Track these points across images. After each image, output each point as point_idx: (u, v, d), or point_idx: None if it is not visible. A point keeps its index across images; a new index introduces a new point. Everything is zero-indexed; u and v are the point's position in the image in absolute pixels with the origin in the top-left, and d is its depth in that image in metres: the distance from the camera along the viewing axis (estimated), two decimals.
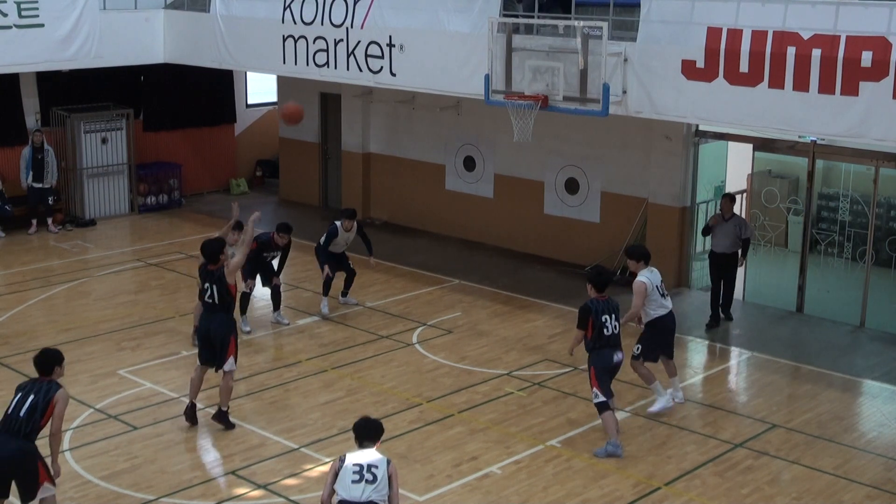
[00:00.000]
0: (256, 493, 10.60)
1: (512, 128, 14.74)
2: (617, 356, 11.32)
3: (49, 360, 9.48)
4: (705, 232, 15.58)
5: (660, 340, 12.27)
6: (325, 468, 10.96)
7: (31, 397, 9.17)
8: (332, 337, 14.92)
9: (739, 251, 15.32)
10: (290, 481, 10.80)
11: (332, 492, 8.33)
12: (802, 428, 12.18)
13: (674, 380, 12.65)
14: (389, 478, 8.37)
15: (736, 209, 15.72)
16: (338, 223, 15.75)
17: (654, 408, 12.34)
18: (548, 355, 14.29)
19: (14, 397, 9.27)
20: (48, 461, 9.29)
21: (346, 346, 14.54)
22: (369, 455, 8.42)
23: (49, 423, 9.17)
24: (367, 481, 8.29)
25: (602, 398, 11.24)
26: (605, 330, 11.16)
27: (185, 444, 11.72)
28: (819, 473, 11.10)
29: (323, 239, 15.69)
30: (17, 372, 13.54)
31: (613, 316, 11.25)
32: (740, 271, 15.83)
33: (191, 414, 11.96)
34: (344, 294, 16.21)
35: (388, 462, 8.44)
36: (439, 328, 15.26)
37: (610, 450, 11.33)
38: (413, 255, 19.02)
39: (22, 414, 9.10)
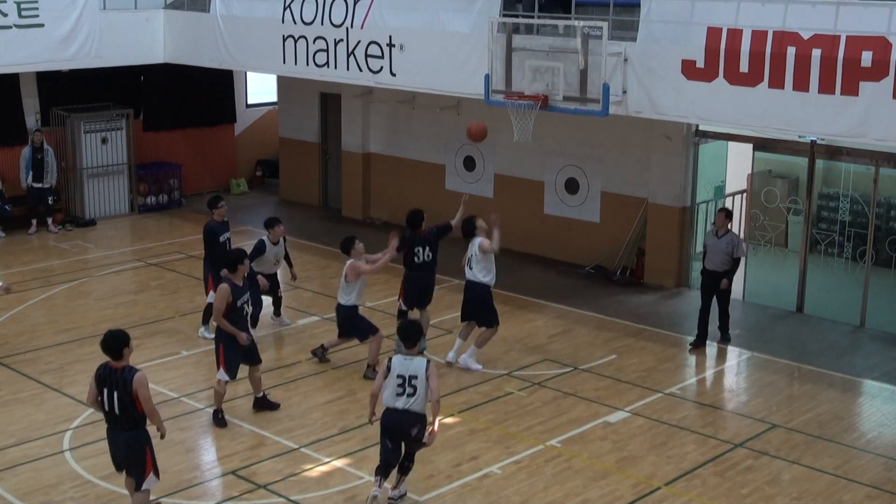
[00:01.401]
0: (256, 493, 10.60)
1: (512, 128, 14.75)
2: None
3: (117, 343, 9.26)
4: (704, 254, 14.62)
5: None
6: (325, 468, 11.03)
7: (116, 392, 9.12)
8: (331, 337, 14.88)
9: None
10: (290, 481, 10.80)
11: (381, 387, 9.88)
12: (802, 428, 12.18)
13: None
14: (428, 379, 9.74)
15: (736, 210, 15.69)
16: (264, 236, 14.56)
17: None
18: (548, 355, 14.29)
19: (101, 392, 9.22)
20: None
21: (346, 347, 14.52)
22: (410, 365, 9.80)
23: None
24: (407, 395, 9.77)
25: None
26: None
27: (185, 444, 11.71)
28: (819, 473, 11.11)
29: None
30: (17, 372, 13.56)
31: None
32: (738, 284, 15.57)
33: None
34: (277, 314, 15.38)
35: (427, 366, 9.81)
36: (439, 328, 15.24)
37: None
38: None
39: (117, 411, 9.15)
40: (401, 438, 10.03)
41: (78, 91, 21.38)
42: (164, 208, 22.25)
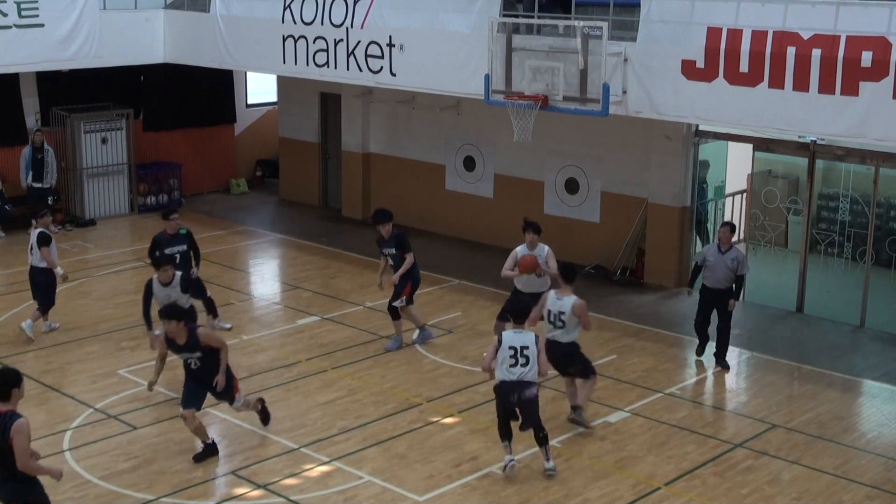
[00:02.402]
0: (256, 492, 10.60)
1: (512, 128, 14.74)
2: None
3: (3, 384, 8.37)
4: (694, 273, 14.22)
5: None
6: (326, 468, 11.03)
7: None
8: (331, 337, 14.91)
9: (733, 286, 13.83)
10: (290, 481, 10.79)
11: (493, 360, 10.60)
12: (802, 428, 12.17)
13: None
14: (539, 352, 10.52)
15: (736, 210, 15.65)
16: (153, 277, 13.19)
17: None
18: None
19: None
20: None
21: (346, 346, 14.53)
22: (521, 337, 10.54)
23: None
24: (521, 364, 10.49)
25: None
26: None
27: (185, 444, 11.69)
28: (819, 473, 11.10)
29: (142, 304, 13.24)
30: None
31: None
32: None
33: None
34: (215, 316, 14.90)
35: (536, 339, 10.60)
36: (439, 328, 15.25)
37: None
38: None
39: None
40: (517, 407, 10.70)
41: (78, 91, 21.38)
42: (164, 208, 22.19)
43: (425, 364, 14.00)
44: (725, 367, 14.00)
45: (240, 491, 10.66)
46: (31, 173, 20.06)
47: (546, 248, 13.38)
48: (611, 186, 17.97)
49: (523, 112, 14.54)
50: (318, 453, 11.41)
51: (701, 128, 16.45)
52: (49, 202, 20.31)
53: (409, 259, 14.02)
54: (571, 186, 18.45)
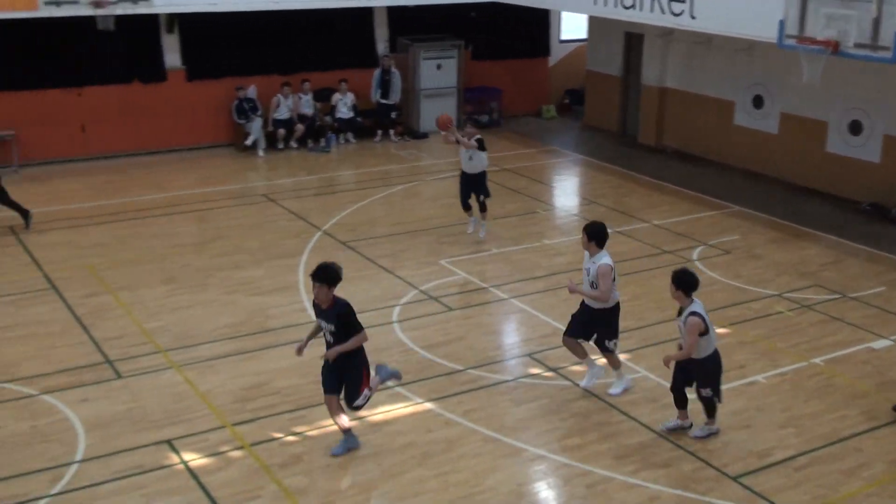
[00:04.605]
0: (548, 374, 10.76)
1: (801, 70, 13.84)
2: None
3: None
4: None
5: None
6: (606, 362, 10.97)
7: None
8: (620, 248, 14.73)
9: None
10: (577, 367, 10.87)
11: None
12: None
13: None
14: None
15: None
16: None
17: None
18: (818, 281, 13.53)
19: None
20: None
21: (633, 258, 14.36)
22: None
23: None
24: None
25: None
26: None
27: (491, 327, 12.02)
28: None
29: None
30: (360, 254, 14.32)
31: None
32: None
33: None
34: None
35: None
36: (718, 248, 14.78)
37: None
38: (698, 181, 18.42)
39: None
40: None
41: (420, 23, 21.95)
42: (485, 127, 22.53)
43: (703, 279, 13.50)
44: None
45: (534, 371, 10.86)
46: (379, 91, 20.97)
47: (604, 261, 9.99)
48: (894, 130, 16.60)
49: (814, 56, 13.61)
50: None
51: None
52: (392, 116, 21.20)
53: (359, 338, 8.92)
54: (855, 128, 17.19)
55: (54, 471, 8.78)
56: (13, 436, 9.37)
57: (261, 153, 19.99)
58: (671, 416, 9.66)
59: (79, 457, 9.02)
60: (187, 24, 19.66)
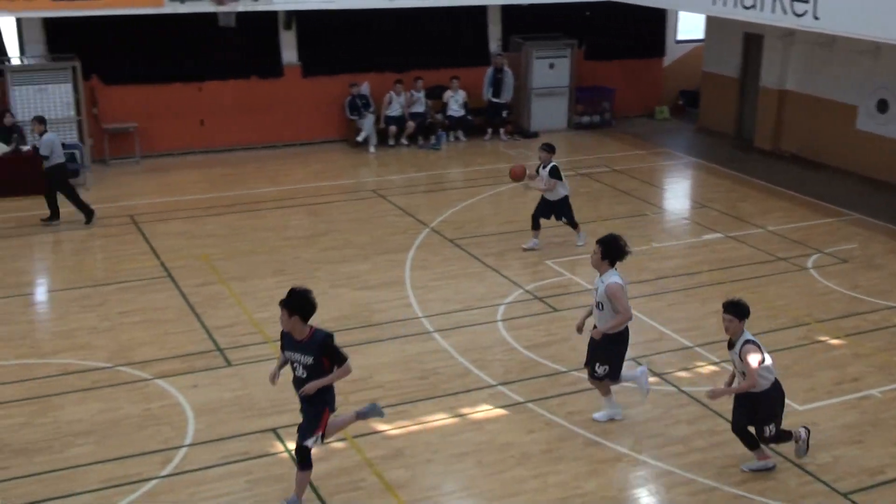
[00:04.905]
0: (652, 379, 10.58)
1: None
2: None
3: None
4: None
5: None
6: (715, 368, 10.79)
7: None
8: (732, 254, 14.46)
9: None
10: (683, 374, 10.70)
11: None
12: None
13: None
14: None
15: None
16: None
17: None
18: None
19: None
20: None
21: (745, 264, 14.04)
22: None
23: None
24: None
25: None
26: None
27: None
28: None
29: None
30: (466, 251, 14.36)
31: None
32: None
33: None
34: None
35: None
36: (835, 257, 14.32)
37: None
38: (816, 187, 17.88)
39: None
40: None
41: (534, 22, 21.88)
42: (597, 127, 22.41)
43: (818, 288, 13.22)
44: None
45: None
46: (491, 90, 21.00)
47: (613, 280, 9.37)
48: None
49: None
50: (709, 353, 11.19)
51: None
52: (503, 115, 21.20)
53: (344, 369, 7.97)
54: None
55: (165, 453, 9.08)
56: (128, 417, 9.72)
57: (372, 149, 20.25)
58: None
59: (188, 440, 9.31)
60: (304, 20, 20.05)
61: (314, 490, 8.54)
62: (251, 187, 17.71)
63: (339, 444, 9.23)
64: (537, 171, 14.36)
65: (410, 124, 20.52)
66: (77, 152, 17.68)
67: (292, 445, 9.17)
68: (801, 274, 13.68)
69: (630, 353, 11.09)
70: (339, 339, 11.31)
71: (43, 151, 14.95)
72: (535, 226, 14.40)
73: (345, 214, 16.23)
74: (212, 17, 18.45)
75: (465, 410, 9.80)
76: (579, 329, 9.65)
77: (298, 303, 7.67)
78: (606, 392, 9.72)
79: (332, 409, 8.09)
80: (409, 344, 11.41)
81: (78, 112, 18.14)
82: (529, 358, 11.04)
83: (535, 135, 21.61)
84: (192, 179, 18.19)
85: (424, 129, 20.73)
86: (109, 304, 12.45)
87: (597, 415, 9.77)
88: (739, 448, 9.00)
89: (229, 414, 9.80)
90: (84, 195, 15.88)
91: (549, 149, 14.31)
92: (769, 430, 8.66)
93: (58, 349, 11.23)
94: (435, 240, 14.93)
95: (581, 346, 11.30)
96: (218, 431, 9.48)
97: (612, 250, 9.24)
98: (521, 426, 9.64)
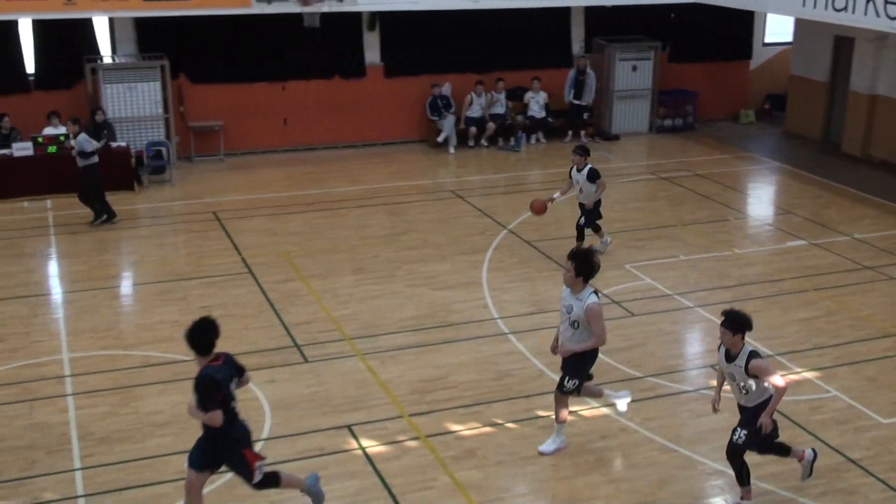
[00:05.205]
0: (728, 387, 10.40)
1: None
2: None
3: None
4: None
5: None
6: (797, 377, 10.57)
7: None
8: (817, 261, 14.14)
9: None
10: None
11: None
12: None
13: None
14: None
15: None
16: None
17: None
18: None
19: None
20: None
21: (830, 272, 13.71)
22: None
23: None
24: None
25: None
26: None
27: (673, 335, 11.76)
28: None
29: None
30: (542, 254, 14.31)
31: None
32: None
33: None
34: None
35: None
36: None
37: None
38: None
39: None
40: None
41: (617, 24, 21.70)
42: (679, 130, 22.12)
43: None
44: None
45: (713, 383, 10.52)
46: (572, 91, 20.89)
47: (592, 302, 8.77)
48: None
49: None
50: (791, 363, 10.96)
51: None
52: (584, 117, 21.07)
53: (214, 416, 7.68)
54: None
55: None
56: None
57: (452, 150, 20.30)
58: (845, 445, 9.15)
59: (265, 435, 9.46)
60: (387, 21, 20.20)
61: (387, 488, 8.60)
62: (332, 186, 17.91)
63: (413, 443, 9.29)
64: (567, 188, 14.00)
65: (491, 125, 20.52)
66: (164, 149, 18.11)
67: (367, 443, 9.26)
68: (889, 284, 13.31)
69: (706, 359, 11.00)
70: (415, 339, 11.52)
71: (87, 148, 15.10)
72: (596, 229, 14.18)
73: (424, 214, 16.32)
74: (297, 17, 18.71)
75: (538, 413, 9.76)
76: (554, 351, 9.11)
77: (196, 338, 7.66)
78: (563, 419, 9.11)
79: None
80: (484, 345, 11.41)
81: (166, 110, 18.58)
82: (605, 362, 10.91)
83: (616, 137, 21.42)
84: (274, 178, 18.47)
85: (504, 131, 20.71)
86: (191, 299, 12.71)
87: (543, 447, 9.15)
88: (821, 460, 8.77)
89: (305, 410, 9.93)
90: (170, 191, 16.23)
91: (584, 152, 13.93)
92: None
93: (141, 341, 11.51)
94: (512, 241, 14.91)
95: (659, 351, 11.22)
96: (293, 427, 9.61)
97: (586, 267, 8.68)
98: (596, 431, 9.57)
